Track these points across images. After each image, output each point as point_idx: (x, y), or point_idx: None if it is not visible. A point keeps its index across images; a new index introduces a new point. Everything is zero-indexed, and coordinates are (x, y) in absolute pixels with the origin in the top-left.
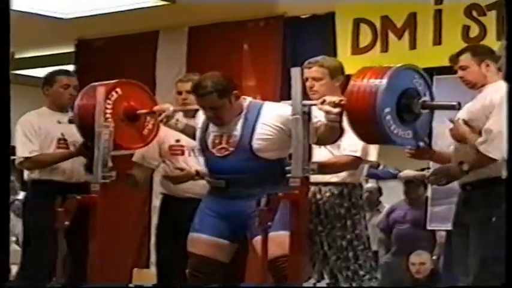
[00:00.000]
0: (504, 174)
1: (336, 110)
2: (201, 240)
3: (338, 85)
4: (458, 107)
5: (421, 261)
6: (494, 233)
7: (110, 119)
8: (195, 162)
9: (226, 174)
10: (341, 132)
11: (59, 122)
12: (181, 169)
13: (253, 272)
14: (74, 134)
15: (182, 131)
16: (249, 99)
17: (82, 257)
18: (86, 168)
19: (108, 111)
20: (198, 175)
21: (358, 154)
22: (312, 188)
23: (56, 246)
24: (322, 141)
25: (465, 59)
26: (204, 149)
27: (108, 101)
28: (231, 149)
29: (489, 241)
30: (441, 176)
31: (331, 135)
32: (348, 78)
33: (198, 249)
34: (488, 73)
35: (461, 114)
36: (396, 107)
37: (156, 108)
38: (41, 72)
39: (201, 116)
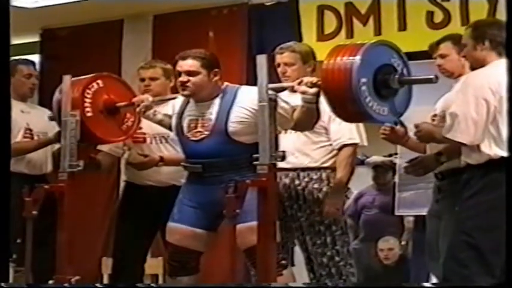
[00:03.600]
0: (464, 163)
1: (313, 90)
2: (178, 231)
3: (310, 70)
4: (435, 80)
5: (389, 247)
6: (458, 221)
7: (89, 110)
8: (157, 150)
9: (202, 159)
10: (318, 115)
11: (22, 112)
12: (145, 155)
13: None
14: (38, 125)
15: (159, 122)
16: (225, 83)
17: (50, 247)
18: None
19: (88, 100)
20: (162, 161)
21: (357, 140)
22: (290, 174)
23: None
24: (299, 126)
25: (445, 47)
26: (179, 133)
27: (88, 91)
28: (206, 132)
29: (453, 229)
30: (419, 167)
31: (308, 118)
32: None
33: (175, 239)
34: (467, 63)
35: (439, 105)
36: (373, 83)
37: (135, 99)
38: None
39: (177, 103)
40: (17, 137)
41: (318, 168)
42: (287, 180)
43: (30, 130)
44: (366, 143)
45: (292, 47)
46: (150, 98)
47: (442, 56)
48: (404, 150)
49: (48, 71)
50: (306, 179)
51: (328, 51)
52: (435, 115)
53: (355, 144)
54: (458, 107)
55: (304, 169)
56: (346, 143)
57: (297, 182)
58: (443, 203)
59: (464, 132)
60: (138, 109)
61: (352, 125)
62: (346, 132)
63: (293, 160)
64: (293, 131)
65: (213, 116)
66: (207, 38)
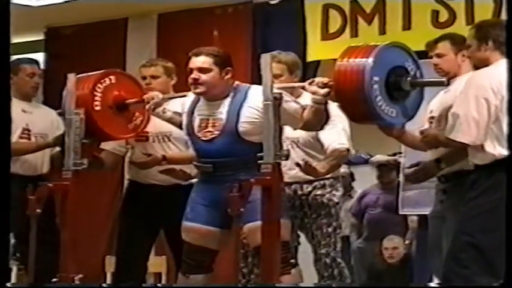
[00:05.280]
0: (472, 164)
1: (323, 91)
2: (193, 229)
3: (296, 80)
4: (447, 82)
5: (393, 245)
6: (461, 221)
7: (98, 105)
8: (159, 148)
9: (213, 158)
10: (326, 117)
11: (24, 111)
12: (148, 154)
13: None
14: (38, 125)
15: (169, 120)
16: (236, 82)
17: (53, 245)
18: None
19: (98, 95)
20: (164, 160)
21: (348, 146)
22: (293, 186)
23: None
24: (308, 126)
25: (443, 46)
26: (190, 133)
27: (99, 86)
28: (217, 132)
29: (455, 231)
30: (420, 174)
31: (317, 118)
32: (318, 63)
33: (190, 238)
34: (463, 63)
35: (434, 106)
36: (385, 84)
37: (145, 95)
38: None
39: (187, 101)
40: (13, 136)
41: (321, 179)
42: (290, 192)
43: (28, 130)
44: (353, 151)
45: (277, 58)
46: (160, 95)
47: (439, 56)
48: (408, 149)
49: (53, 69)
50: (309, 188)
51: (331, 50)
52: (432, 117)
53: (346, 150)
54: (459, 107)
55: (307, 181)
56: (336, 147)
57: (299, 192)
58: (448, 204)
59: (465, 133)
60: (147, 106)
61: (341, 132)
62: (336, 138)
63: (295, 174)
64: (289, 146)
65: (224, 116)
66: (211, 36)
